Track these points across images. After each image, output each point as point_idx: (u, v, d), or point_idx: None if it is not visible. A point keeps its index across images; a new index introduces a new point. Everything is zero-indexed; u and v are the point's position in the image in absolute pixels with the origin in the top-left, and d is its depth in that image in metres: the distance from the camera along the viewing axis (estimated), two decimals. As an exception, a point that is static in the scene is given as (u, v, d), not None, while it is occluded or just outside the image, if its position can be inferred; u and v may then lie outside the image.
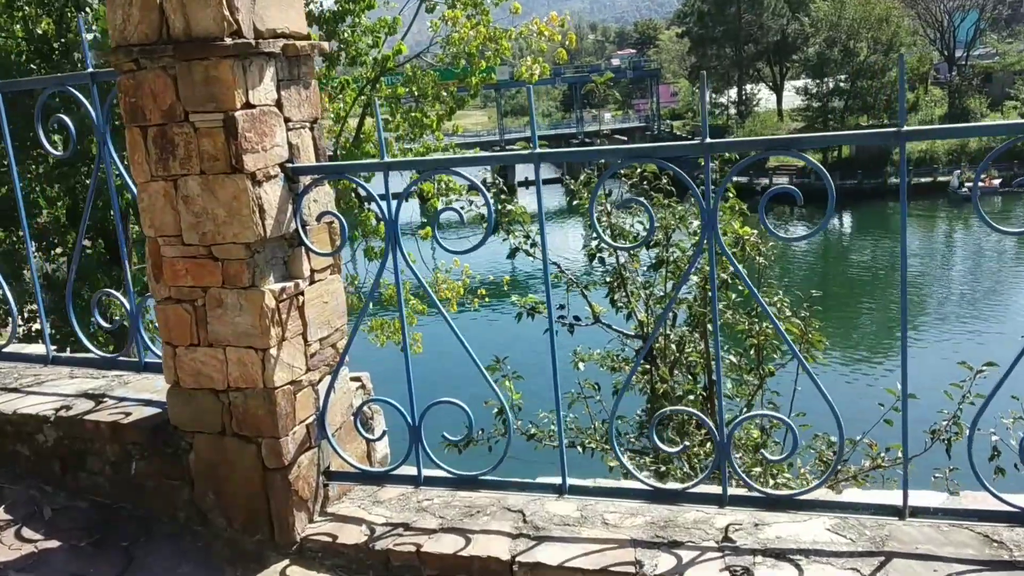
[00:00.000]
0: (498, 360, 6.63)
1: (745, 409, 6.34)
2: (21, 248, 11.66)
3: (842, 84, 60.70)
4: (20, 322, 10.67)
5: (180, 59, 2.84)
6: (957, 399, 5.67)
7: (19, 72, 11.14)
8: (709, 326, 6.52)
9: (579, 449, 6.41)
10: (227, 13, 2.79)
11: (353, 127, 14.16)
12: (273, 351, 2.99)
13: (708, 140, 2.64)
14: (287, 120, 3.05)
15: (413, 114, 13.89)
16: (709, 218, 2.68)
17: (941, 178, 53.61)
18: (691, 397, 6.12)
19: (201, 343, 3.08)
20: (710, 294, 6.66)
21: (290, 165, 3.04)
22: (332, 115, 13.87)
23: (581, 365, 7.19)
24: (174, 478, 3.28)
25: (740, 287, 6.76)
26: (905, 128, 2.43)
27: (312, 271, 3.17)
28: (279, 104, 3.01)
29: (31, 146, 10.55)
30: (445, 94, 14.00)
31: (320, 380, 3.22)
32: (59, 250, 13.35)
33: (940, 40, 68.05)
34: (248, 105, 2.88)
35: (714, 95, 72.30)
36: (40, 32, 11.72)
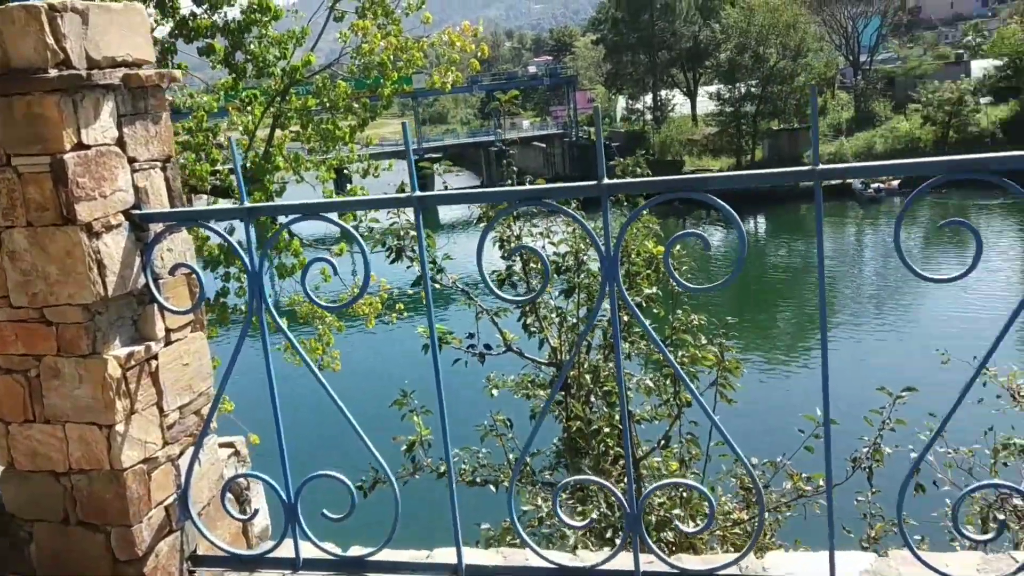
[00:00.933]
0: (405, 394, 6.27)
1: (664, 441, 6.12)
2: None
3: (753, 89, 61.81)
4: None
5: (-3, 94, 2.44)
6: (877, 425, 5.54)
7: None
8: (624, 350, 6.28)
9: (492, 488, 6.10)
10: (51, 41, 2.40)
11: (263, 139, 13.65)
12: (120, 427, 2.60)
13: (606, 181, 2.36)
14: (132, 160, 2.66)
15: (324, 126, 13.45)
16: (609, 266, 2.40)
17: (849, 179, 55.04)
18: (607, 430, 5.87)
19: (37, 419, 2.67)
20: (625, 330, 6.45)
21: (136, 212, 2.66)
22: (241, 128, 13.36)
23: (495, 392, 6.87)
24: (17, 571, 2.85)
25: (654, 308, 6.55)
26: (820, 167, 2.20)
27: (168, 331, 2.78)
28: (121, 143, 2.62)
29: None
30: (357, 105, 13.61)
31: (181, 453, 2.84)
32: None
33: (845, 46, 69.97)
34: (81, 146, 2.48)
35: (630, 101, 73.00)
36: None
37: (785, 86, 60.93)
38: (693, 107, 70.40)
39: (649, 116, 70.90)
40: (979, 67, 65.78)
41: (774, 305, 34.98)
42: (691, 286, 2.47)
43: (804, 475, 5.97)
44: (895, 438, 5.74)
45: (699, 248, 2.34)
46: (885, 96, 64.44)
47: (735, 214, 2.25)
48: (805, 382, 23.67)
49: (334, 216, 2.61)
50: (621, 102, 75.34)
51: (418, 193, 2.50)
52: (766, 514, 5.61)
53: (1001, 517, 4.14)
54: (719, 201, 2.28)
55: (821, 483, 5.65)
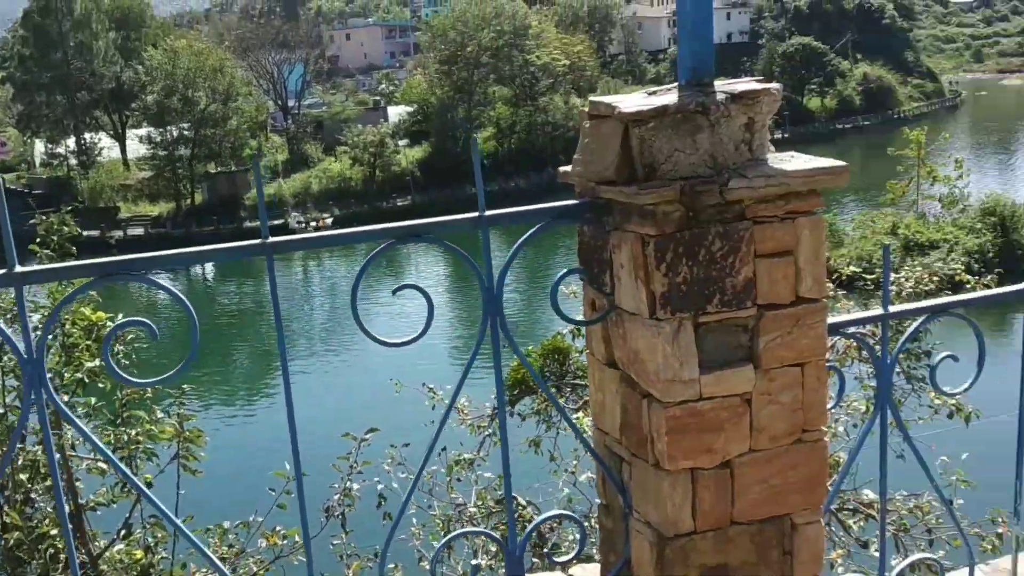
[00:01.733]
0: None
1: (126, 529, 5.51)
2: None
3: (186, 132, 60.57)
4: None
5: None
6: (345, 471, 5.65)
7: None
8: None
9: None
10: None
11: None
12: None
13: (18, 268, 1.97)
14: None
15: None
16: (32, 370, 2.01)
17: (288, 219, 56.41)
18: (55, 532, 5.07)
19: None
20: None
21: None
22: None
23: None
24: None
25: (100, 382, 5.91)
26: (271, 240, 2.11)
27: None
28: None
29: None
30: None
31: None
32: None
33: (273, 90, 72.30)
34: None
35: (50, 145, 66.61)
36: None
37: (219, 129, 60.92)
38: (123, 151, 66.82)
39: (74, 161, 65.38)
40: (395, 112, 73.13)
41: (230, 353, 34.51)
42: (138, 380, 2.18)
43: (280, 531, 5.86)
44: (360, 474, 5.94)
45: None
46: (316, 139, 67.90)
47: (183, 297, 2.03)
48: (271, 431, 23.68)
49: None
50: (39, 146, 68.46)
51: None
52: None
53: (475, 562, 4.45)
54: (165, 285, 2.05)
55: (297, 538, 5.59)
